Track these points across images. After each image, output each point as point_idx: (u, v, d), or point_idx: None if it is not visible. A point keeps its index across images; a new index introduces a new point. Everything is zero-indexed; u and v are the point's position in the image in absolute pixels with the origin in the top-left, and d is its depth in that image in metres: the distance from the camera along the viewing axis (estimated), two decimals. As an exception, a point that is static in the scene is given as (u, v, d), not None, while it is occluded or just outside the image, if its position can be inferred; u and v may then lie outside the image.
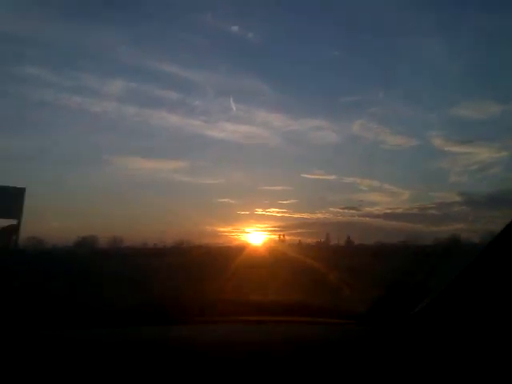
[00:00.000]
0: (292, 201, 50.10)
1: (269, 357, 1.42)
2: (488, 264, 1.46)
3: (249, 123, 52.83)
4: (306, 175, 50.15)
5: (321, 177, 46.72)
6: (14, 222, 31.61)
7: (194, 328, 1.77)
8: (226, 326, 1.81)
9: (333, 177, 44.60)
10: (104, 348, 1.51)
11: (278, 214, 47.02)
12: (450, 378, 1.30)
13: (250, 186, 57.57)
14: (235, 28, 40.75)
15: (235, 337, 1.65)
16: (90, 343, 1.54)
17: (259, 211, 46.44)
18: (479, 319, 1.46)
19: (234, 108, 44.60)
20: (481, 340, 1.42)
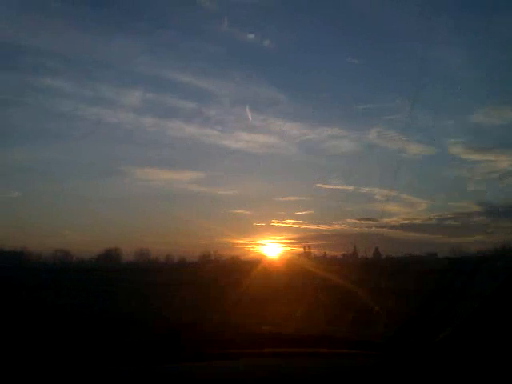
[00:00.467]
0: (308, 211, 49.61)
1: None
2: (506, 300, 1.45)
3: (265, 132, 53.16)
4: (322, 185, 49.66)
5: (337, 187, 46.16)
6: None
7: (214, 365, 1.76)
8: (247, 360, 1.79)
9: (349, 187, 44.03)
10: None
11: (294, 226, 46.54)
12: None
13: (266, 196, 57.61)
14: (251, 36, 41.24)
15: (257, 371, 1.64)
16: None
17: (275, 222, 46.04)
18: (502, 350, 1.44)
19: (250, 117, 45.04)
20: (503, 372, 1.40)
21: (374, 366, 1.69)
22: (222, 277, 15.05)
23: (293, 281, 12.69)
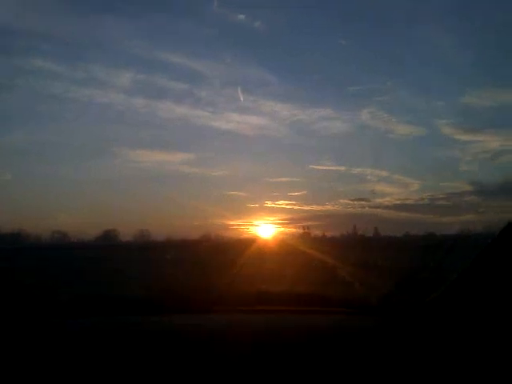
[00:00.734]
0: (301, 192, 49.90)
1: (278, 345, 1.45)
2: (497, 254, 1.48)
3: (256, 114, 52.72)
4: (314, 166, 49.65)
5: (330, 168, 46.27)
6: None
7: (202, 317, 1.83)
8: (236, 315, 1.86)
9: (342, 167, 44.13)
10: (113, 336, 1.57)
11: (288, 207, 46.84)
12: (461, 369, 1.32)
13: (259, 177, 57.65)
14: (241, 17, 40.37)
15: (245, 326, 1.69)
16: (99, 331, 1.60)
17: (269, 203, 46.30)
18: (489, 309, 1.48)
19: (242, 98, 44.49)
20: (491, 331, 1.44)
21: (369, 325, 1.74)
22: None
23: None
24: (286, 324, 1.74)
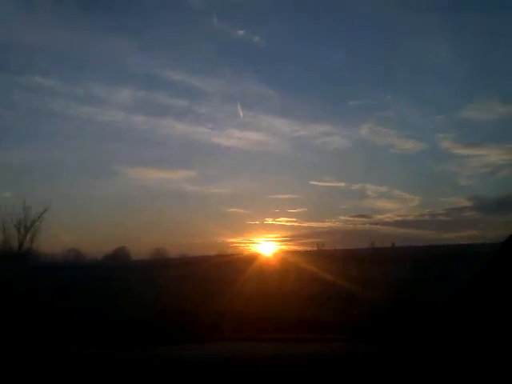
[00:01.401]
0: (301, 209, 48.96)
1: (271, 374, 1.45)
2: (495, 274, 1.45)
3: (256, 130, 52.32)
4: (314, 182, 49.11)
5: (330, 184, 45.64)
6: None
7: (206, 347, 1.83)
8: (231, 344, 1.86)
9: (342, 184, 43.58)
10: (121, 369, 1.56)
11: (288, 224, 46.25)
12: None
13: (259, 194, 57.44)
14: (241, 33, 40.71)
15: (241, 354, 1.69)
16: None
17: (269, 221, 45.80)
18: (488, 331, 1.45)
19: (242, 114, 44.51)
20: (490, 352, 1.41)
21: (360, 351, 1.73)
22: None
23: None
24: (284, 353, 1.73)
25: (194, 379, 1.45)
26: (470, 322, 1.51)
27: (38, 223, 36.40)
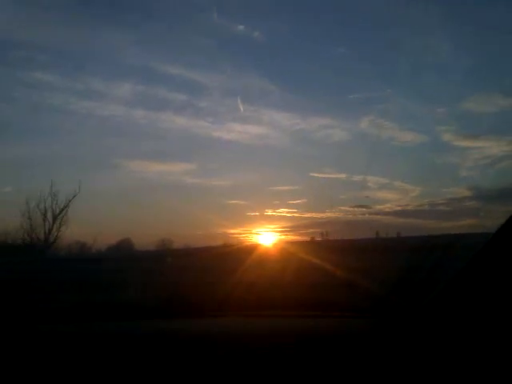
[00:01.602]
0: (301, 200, 48.84)
1: (277, 349, 1.49)
2: (492, 257, 1.49)
3: (257, 123, 52.25)
4: (315, 174, 48.80)
5: (330, 175, 45.59)
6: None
7: (204, 321, 1.88)
8: (237, 320, 1.91)
9: (342, 175, 43.33)
10: (113, 341, 1.61)
11: (288, 215, 46.08)
12: (459, 371, 1.35)
13: (260, 186, 57.11)
14: (241, 27, 40.27)
15: (245, 329, 1.74)
16: (100, 336, 1.65)
17: (269, 212, 45.68)
18: (484, 311, 1.50)
19: (242, 108, 44.13)
20: (486, 332, 1.46)
21: (365, 327, 1.78)
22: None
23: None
24: (286, 328, 1.79)
25: (195, 352, 1.48)
26: (468, 301, 1.55)
27: (66, 211, 34.38)
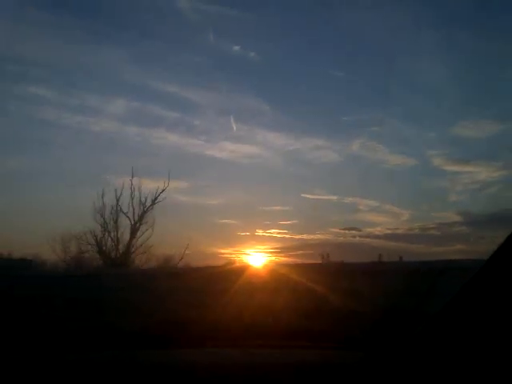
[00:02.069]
0: (292, 221, 48.53)
1: (264, 381, 1.49)
2: (483, 285, 1.47)
3: (249, 143, 52.42)
4: (306, 195, 48.66)
5: (321, 197, 45.62)
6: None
7: (195, 352, 1.86)
8: (226, 351, 1.88)
9: (333, 197, 43.43)
10: (111, 371, 1.60)
11: (279, 235, 45.68)
12: None
13: (251, 206, 56.64)
14: (236, 48, 41.08)
15: (235, 361, 1.72)
16: (97, 366, 1.63)
17: (260, 232, 45.20)
18: (475, 342, 1.48)
19: (235, 128, 44.54)
20: (478, 363, 1.44)
21: (354, 359, 1.77)
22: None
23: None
24: (273, 360, 1.77)
25: None
26: (460, 331, 1.53)
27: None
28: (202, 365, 1.68)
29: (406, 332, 1.75)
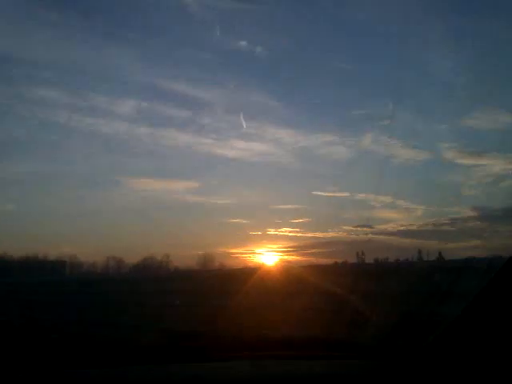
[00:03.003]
0: (304, 219, 47.78)
1: None
2: (499, 292, 1.46)
3: (259, 140, 52.46)
4: (317, 192, 47.92)
5: (333, 194, 44.88)
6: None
7: (211, 365, 1.85)
8: (243, 362, 1.89)
9: (345, 194, 42.66)
10: None
11: (291, 234, 45.26)
12: None
13: (262, 204, 56.43)
14: (243, 44, 41.05)
15: (252, 372, 1.74)
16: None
17: (271, 231, 44.93)
18: (490, 350, 1.47)
19: (245, 125, 44.32)
20: (492, 371, 1.45)
21: (368, 369, 1.76)
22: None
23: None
24: (287, 370, 1.77)
25: None
26: (475, 340, 1.53)
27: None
28: (211, 377, 1.70)
29: (418, 340, 1.75)
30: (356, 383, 1.61)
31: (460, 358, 1.55)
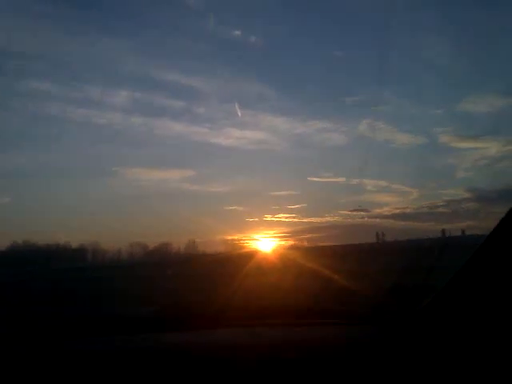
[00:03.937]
0: (301, 205, 48.27)
1: (276, 359, 1.50)
2: (488, 258, 1.46)
3: (255, 128, 52.36)
4: (313, 178, 47.91)
5: (329, 179, 44.98)
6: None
7: (202, 333, 1.87)
8: (235, 330, 1.90)
9: (341, 179, 42.49)
10: (118, 355, 1.62)
11: (287, 220, 45.60)
12: (455, 375, 1.34)
13: (258, 191, 56.55)
14: (237, 33, 40.39)
15: (244, 340, 1.74)
16: (104, 352, 1.65)
17: (268, 217, 45.22)
18: (482, 314, 1.48)
19: (240, 114, 44.05)
20: (484, 335, 1.45)
21: (365, 335, 1.77)
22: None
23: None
24: (286, 337, 1.77)
25: (200, 365, 1.49)
26: (466, 303, 1.54)
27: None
28: (211, 345, 1.70)
29: (413, 305, 1.76)
30: (356, 346, 1.62)
31: (454, 322, 1.56)
